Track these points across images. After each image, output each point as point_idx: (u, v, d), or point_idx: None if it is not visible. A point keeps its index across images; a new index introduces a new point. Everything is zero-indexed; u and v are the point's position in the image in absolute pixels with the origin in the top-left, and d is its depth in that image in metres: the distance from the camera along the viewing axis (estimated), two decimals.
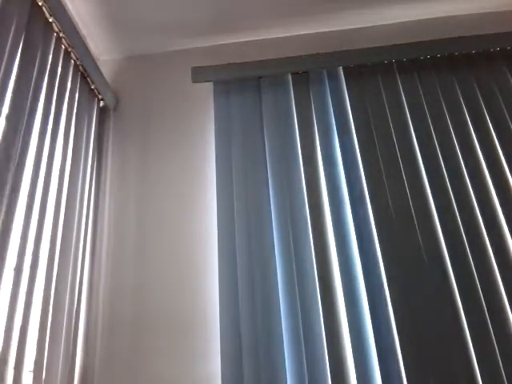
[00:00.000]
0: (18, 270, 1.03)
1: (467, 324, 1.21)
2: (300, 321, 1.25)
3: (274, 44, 1.77)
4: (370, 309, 1.25)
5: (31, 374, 1.04)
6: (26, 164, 1.12)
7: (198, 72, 1.63)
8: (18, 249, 1.03)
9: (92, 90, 1.59)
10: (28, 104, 1.16)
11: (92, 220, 1.49)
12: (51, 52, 1.32)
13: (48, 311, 1.14)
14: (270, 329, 1.24)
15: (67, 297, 1.24)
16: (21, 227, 1.06)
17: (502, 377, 1.14)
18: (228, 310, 1.28)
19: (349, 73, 1.62)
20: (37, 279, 1.10)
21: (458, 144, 1.46)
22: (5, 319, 0.97)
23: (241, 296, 1.29)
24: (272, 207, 1.41)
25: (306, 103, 1.59)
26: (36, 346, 1.07)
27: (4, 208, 1.01)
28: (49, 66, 1.30)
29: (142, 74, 1.79)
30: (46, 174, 1.20)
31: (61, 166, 1.29)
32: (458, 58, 1.62)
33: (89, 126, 1.55)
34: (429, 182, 1.41)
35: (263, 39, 1.80)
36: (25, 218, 1.08)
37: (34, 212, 1.12)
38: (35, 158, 1.16)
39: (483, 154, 1.44)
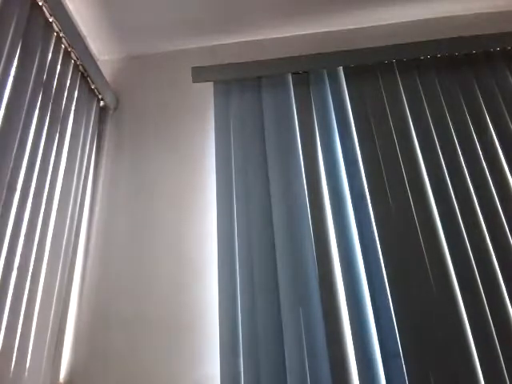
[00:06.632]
0: (8, 267, 1.03)
1: (469, 323, 1.21)
2: (301, 321, 1.24)
3: (274, 44, 1.77)
4: (371, 307, 1.24)
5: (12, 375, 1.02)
6: (23, 164, 1.12)
7: (198, 72, 1.63)
8: (7, 247, 1.03)
9: (92, 89, 1.59)
10: (26, 103, 1.16)
11: (87, 220, 1.48)
12: (51, 51, 1.32)
13: (34, 310, 1.13)
14: (269, 329, 1.24)
15: (54, 297, 1.23)
16: (11, 225, 1.05)
17: (504, 376, 1.14)
18: (227, 310, 1.27)
19: (349, 73, 1.62)
20: (27, 277, 1.10)
21: (458, 143, 1.46)
22: None
23: (240, 295, 1.29)
24: (272, 207, 1.40)
25: (306, 103, 1.58)
26: (17, 346, 1.04)
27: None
28: (48, 66, 1.29)
29: (142, 74, 1.79)
30: (39, 172, 1.19)
31: (55, 165, 1.28)
32: (458, 58, 1.61)
33: (88, 125, 1.54)
34: (429, 180, 1.40)
35: (263, 39, 1.80)
36: (16, 215, 1.07)
37: (26, 211, 1.12)
38: (31, 157, 1.16)
39: (483, 153, 1.43)
